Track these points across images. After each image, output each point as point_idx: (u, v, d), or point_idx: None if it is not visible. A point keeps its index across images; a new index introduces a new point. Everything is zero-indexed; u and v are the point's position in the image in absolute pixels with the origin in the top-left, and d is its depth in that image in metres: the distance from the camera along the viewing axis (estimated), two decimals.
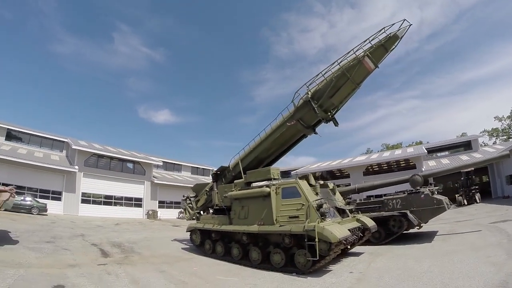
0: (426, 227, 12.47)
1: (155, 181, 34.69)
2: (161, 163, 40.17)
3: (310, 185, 9.33)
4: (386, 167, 38.09)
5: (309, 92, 9.54)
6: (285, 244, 7.54)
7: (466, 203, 22.83)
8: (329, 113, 9.75)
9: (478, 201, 22.77)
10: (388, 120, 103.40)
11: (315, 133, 10.59)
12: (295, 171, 43.43)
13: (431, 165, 31.09)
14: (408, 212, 10.07)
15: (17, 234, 10.48)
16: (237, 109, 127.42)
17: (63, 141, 32.88)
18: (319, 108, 9.21)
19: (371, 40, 8.36)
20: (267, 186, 8.58)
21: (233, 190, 9.88)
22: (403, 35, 8.13)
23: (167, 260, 9.15)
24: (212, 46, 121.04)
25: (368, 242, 10.21)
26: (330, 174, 41.77)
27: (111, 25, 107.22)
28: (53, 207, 22.46)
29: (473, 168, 23.35)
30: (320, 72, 9.34)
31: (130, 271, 7.29)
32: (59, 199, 24.84)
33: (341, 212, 8.81)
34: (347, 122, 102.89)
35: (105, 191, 30.00)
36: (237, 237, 9.10)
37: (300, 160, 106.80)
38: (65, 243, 10.57)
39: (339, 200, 9.40)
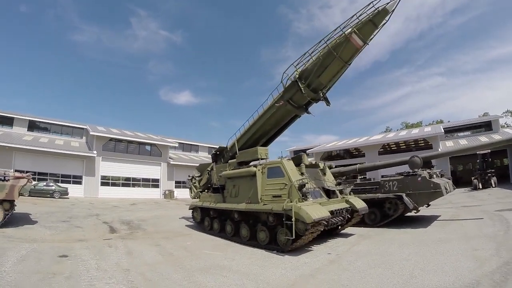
0: (429, 211, 12.57)
1: (171, 162, 36.37)
2: (177, 145, 41.78)
3: (314, 165, 9.88)
4: (404, 147, 37.51)
5: (296, 72, 9.58)
6: (269, 223, 7.89)
7: (481, 187, 22.26)
8: (320, 92, 9.78)
9: (494, 185, 22.18)
10: (412, 97, 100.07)
11: (308, 112, 10.79)
12: (310, 150, 43.77)
13: (448, 146, 30.51)
14: (404, 195, 10.01)
15: (37, 216, 11.97)
16: (258, 88, 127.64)
17: (83, 128, 35.05)
18: (306, 88, 9.27)
19: (359, 16, 8.09)
20: (255, 166, 9.09)
21: (227, 170, 10.63)
22: (393, 9, 7.75)
23: (167, 235, 10.17)
24: (231, 25, 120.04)
25: (363, 224, 10.53)
26: (348, 153, 41.72)
27: (128, 11, 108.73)
28: (74, 190, 24.56)
29: (489, 151, 22.77)
30: (307, 52, 9.33)
31: (130, 244, 8.32)
32: (79, 182, 27.05)
33: (331, 193, 8.95)
34: (370, 99, 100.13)
35: (123, 173, 32.08)
36: (231, 215, 9.64)
37: (322, 138, 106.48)
38: (79, 222, 11.95)
39: (329, 181, 9.53)
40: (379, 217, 10.60)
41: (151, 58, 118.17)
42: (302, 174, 8.37)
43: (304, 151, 47.36)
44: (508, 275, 4.50)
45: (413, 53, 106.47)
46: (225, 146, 13.02)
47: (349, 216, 8.76)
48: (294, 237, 6.84)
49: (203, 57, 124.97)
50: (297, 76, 9.52)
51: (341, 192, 9.32)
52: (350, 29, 8.26)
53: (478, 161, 23.76)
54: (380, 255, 6.43)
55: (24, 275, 5.06)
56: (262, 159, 9.43)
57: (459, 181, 29.57)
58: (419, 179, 10.14)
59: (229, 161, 11.23)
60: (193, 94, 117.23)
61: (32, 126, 30.82)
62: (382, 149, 37.18)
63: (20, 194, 9.67)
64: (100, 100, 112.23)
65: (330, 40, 8.70)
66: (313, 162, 10.52)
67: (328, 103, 10.23)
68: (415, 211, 10.59)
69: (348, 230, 9.78)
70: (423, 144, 33.68)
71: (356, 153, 40.53)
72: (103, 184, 29.17)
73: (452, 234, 7.99)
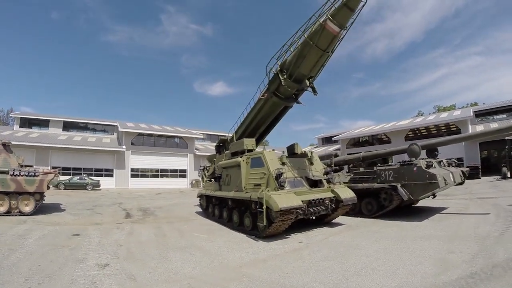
0: (439, 202, 12.57)
1: (197, 153, 38.64)
2: (202, 136, 44.06)
3: (295, 154, 10.45)
4: (435, 131, 36.21)
5: (278, 64, 9.96)
6: (252, 210, 8.38)
7: (509, 176, 21.24)
8: (306, 81, 9.90)
9: None
10: (449, 79, 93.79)
11: (298, 102, 11.25)
12: (336, 136, 43.82)
13: (478, 130, 29.30)
14: (399, 185, 9.79)
15: (67, 205, 14.25)
16: None
17: (114, 125, 38.37)
18: (287, 80, 9.61)
19: (333, 1, 8.09)
20: (241, 156, 9.96)
21: (222, 160, 11.86)
22: None
23: (172, 220, 11.64)
24: (261, 12, 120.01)
25: (360, 214, 10.89)
26: (377, 140, 41.14)
27: (157, 8, 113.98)
28: (106, 182, 27.66)
29: None
30: (285, 43, 9.63)
31: (135, 227, 9.91)
32: (111, 175, 30.23)
33: (318, 182, 9.21)
34: (406, 83, 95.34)
35: (152, 165, 34.96)
36: (227, 202, 10.42)
37: (359, 123, 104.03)
38: (102, 209, 14.00)
39: (316, 170, 9.72)
40: (376, 208, 10.59)
41: (183, 52, 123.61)
42: (283, 164, 8.81)
43: (331, 137, 47.48)
44: None
45: (449, 32, 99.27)
46: (226, 138, 14.22)
47: (334, 206, 8.92)
48: (265, 224, 7.40)
49: (235, 47, 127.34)
50: (278, 68, 9.92)
51: (328, 181, 9.52)
52: (325, 16, 8.23)
53: (506, 147, 22.58)
54: (347, 248, 6.54)
55: (39, 246, 6.73)
56: (248, 150, 10.13)
57: (492, 168, 28.35)
58: (415, 169, 9.78)
59: (225, 152, 12.44)
60: (227, 84, 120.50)
61: (67, 126, 34.73)
62: (412, 134, 36.28)
63: (49, 187, 11.77)
64: (136, 96, 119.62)
65: (306, 29, 8.78)
66: (303, 152, 10.70)
67: (315, 92, 10.48)
68: (414, 203, 10.25)
69: (340, 219, 10.12)
70: (455, 128, 32.30)
71: (386, 139, 39.84)
72: (133, 176, 32.19)
73: (442, 231, 7.75)
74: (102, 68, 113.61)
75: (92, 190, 23.88)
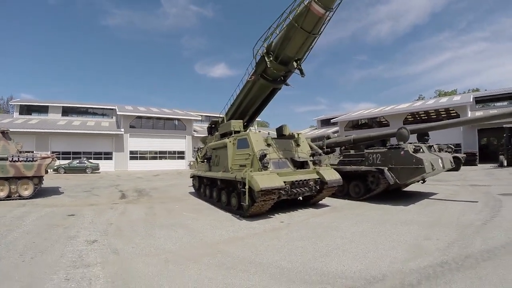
0: (430, 188, 12.83)
1: (195, 135, 39.15)
2: (200, 118, 44.43)
3: (283, 136, 10.51)
4: (434, 116, 36.30)
5: (264, 47, 10.03)
6: (238, 190, 8.66)
7: (506, 164, 21.27)
8: (294, 63, 9.83)
9: None
10: (454, 64, 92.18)
11: (287, 84, 11.27)
12: (334, 119, 44.09)
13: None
14: (386, 169, 9.88)
15: (65, 188, 14.94)
16: None
17: (112, 109, 38.77)
18: (273, 62, 9.72)
19: None
20: (228, 137, 10.35)
21: (212, 142, 12.31)
22: None
23: (165, 200, 12.21)
24: None
25: (348, 196, 11.16)
26: (376, 122, 41.29)
27: None
28: (105, 165, 28.47)
29: None
30: (271, 25, 9.64)
31: (129, 207, 10.49)
32: (110, 158, 31.01)
33: (305, 163, 9.44)
34: (411, 65, 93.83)
35: (150, 147, 35.64)
36: (216, 183, 10.83)
37: (361, 106, 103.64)
38: (99, 191, 14.67)
39: (303, 152, 9.96)
40: (363, 191, 10.76)
41: (183, 34, 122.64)
42: (268, 145, 9.09)
43: (329, 120, 47.72)
44: (427, 280, 3.92)
45: (455, 15, 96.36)
46: (217, 120, 14.63)
47: (319, 188, 9.16)
48: (248, 203, 7.73)
49: (236, 29, 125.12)
50: (265, 51, 10.02)
51: (314, 163, 9.74)
52: None
53: (504, 135, 22.51)
54: (325, 229, 6.71)
55: (36, 226, 7.34)
56: (235, 131, 10.55)
57: (491, 156, 28.55)
58: (402, 152, 9.78)
59: (215, 133, 12.87)
60: (228, 66, 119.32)
61: (66, 111, 35.34)
62: (412, 118, 36.48)
63: (47, 171, 12.36)
64: (137, 79, 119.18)
65: (292, 11, 8.75)
66: (291, 134, 10.83)
67: (302, 74, 10.37)
68: (402, 188, 10.29)
69: (327, 201, 10.39)
70: (455, 113, 32.41)
71: (385, 122, 40.02)
72: (132, 158, 32.95)
73: (426, 216, 7.76)
74: (103, 53, 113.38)
75: (91, 173, 24.69)
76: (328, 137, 15.24)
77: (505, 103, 32.94)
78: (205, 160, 13.44)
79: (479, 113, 30.44)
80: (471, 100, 30.93)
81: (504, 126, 22.37)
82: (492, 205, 8.88)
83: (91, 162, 25.98)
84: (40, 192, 12.52)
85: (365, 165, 10.80)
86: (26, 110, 33.39)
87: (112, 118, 38.57)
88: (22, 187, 11.75)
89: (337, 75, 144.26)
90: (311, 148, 11.50)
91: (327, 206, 9.83)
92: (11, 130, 14.08)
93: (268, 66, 9.88)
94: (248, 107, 12.90)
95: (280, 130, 10.99)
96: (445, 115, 35.04)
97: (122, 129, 32.64)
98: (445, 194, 11.40)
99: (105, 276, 4.22)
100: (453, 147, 25.83)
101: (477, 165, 25.33)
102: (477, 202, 9.58)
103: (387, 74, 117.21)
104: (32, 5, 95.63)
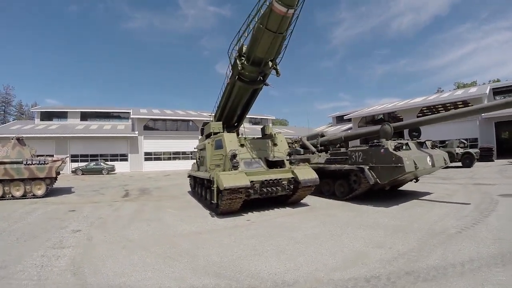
0: (427, 187, 12.69)
1: None
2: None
3: (265, 135, 11.21)
4: (452, 109, 35.68)
5: (235, 49, 10.47)
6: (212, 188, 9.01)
7: None
8: (269, 63, 10.04)
9: None
10: (478, 55, 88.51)
11: (266, 84, 11.56)
12: (347, 115, 44.31)
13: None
14: (366, 168, 9.62)
15: (77, 188, 16.83)
16: (315, 53, 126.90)
17: (128, 112, 41.28)
18: (244, 64, 10.06)
19: None
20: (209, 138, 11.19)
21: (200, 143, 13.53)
22: None
23: (162, 198, 13.50)
24: None
25: (334, 196, 11.25)
26: (393, 118, 41.03)
27: None
28: (121, 167, 30.75)
29: None
30: (240, 28, 10.04)
31: (125, 204, 11.88)
32: (126, 159, 33.30)
33: (281, 163, 9.84)
34: (433, 59, 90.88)
35: (164, 148, 37.71)
36: (203, 182, 11.44)
37: (383, 101, 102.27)
38: (106, 191, 16.41)
39: (279, 151, 10.25)
40: (347, 190, 10.69)
41: (203, 35, 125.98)
42: (242, 145, 9.60)
43: (342, 116, 47.93)
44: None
45: (477, 4, 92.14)
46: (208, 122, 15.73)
47: (293, 187, 9.35)
48: (215, 201, 8.45)
49: None
50: (237, 54, 10.45)
51: (291, 162, 9.96)
52: None
53: None
54: (282, 229, 6.83)
55: (39, 219, 8.93)
56: (215, 133, 11.05)
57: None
58: (382, 150, 9.43)
59: (204, 134, 14.03)
60: None
61: (85, 115, 38.19)
62: (429, 112, 36.04)
63: (58, 173, 14.23)
64: (159, 80, 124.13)
65: (256, 12, 8.99)
66: (272, 133, 11.30)
67: (278, 74, 10.60)
68: (386, 188, 10.20)
69: (308, 201, 10.59)
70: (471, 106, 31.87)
71: (401, 117, 39.79)
72: (146, 159, 35.14)
73: (399, 220, 7.34)
74: (124, 56, 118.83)
75: (107, 174, 26.91)
76: (322, 135, 15.82)
77: None
78: (197, 161, 14.53)
79: None
80: (487, 91, 29.82)
81: None
82: (484, 209, 8.15)
83: (107, 164, 28.31)
84: (52, 191, 14.43)
85: (348, 163, 10.67)
86: (47, 116, 36.63)
87: (128, 121, 41.15)
88: (35, 187, 13.67)
89: (360, 70, 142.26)
90: (294, 147, 12.26)
91: (306, 205, 9.97)
92: (33, 135, 16.13)
93: (239, 68, 10.28)
94: (233, 108, 13.75)
95: (263, 130, 11.83)
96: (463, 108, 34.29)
97: (136, 132, 34.91)
98: (440, 195, 10.89)
99: (70, 255, 5.53)
100: (465, 142, 25.53)
101: (493, 161, 24.69)
102: (469, 204, 8.89)
103: (410, 68, 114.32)
104: (54, 14, 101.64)
